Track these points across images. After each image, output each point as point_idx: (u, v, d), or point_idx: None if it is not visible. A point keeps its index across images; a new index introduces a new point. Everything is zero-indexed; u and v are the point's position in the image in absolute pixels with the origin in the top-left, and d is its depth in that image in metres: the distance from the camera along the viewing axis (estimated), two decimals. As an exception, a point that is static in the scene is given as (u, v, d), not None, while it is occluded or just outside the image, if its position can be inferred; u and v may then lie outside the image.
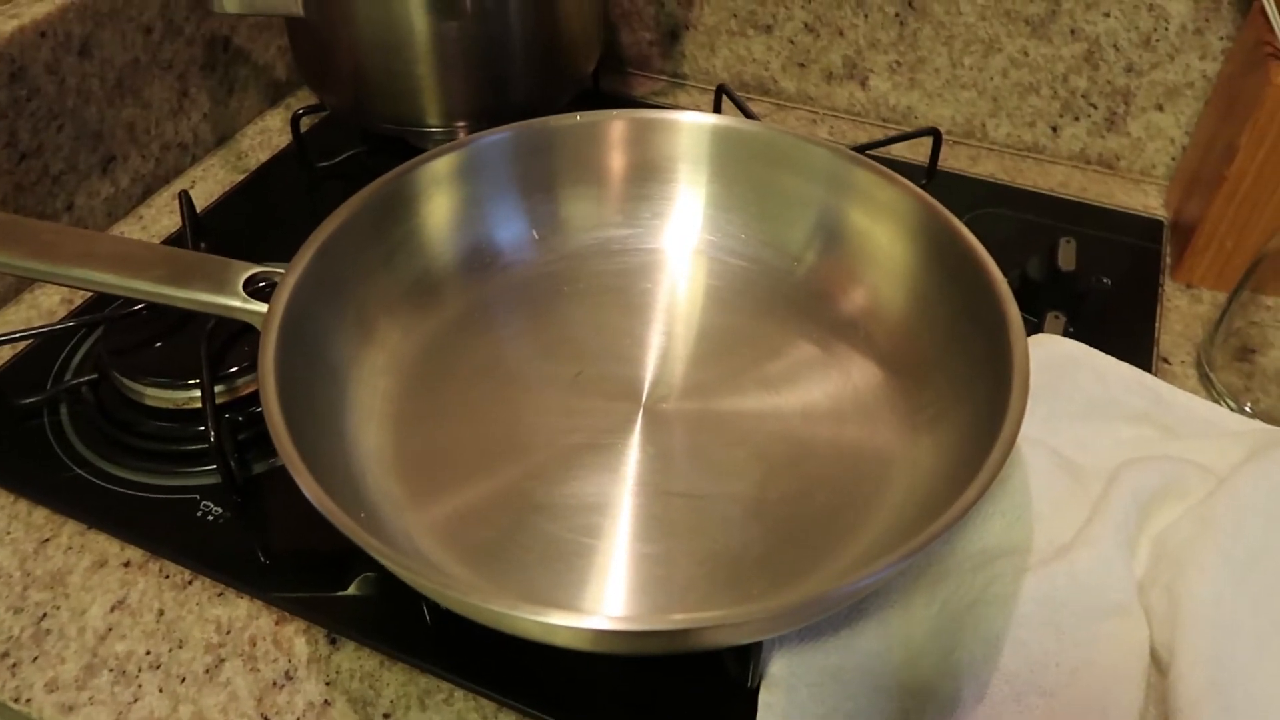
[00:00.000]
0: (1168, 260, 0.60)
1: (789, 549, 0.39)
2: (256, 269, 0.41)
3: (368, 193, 0.44)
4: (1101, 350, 0.53)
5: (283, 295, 0.39)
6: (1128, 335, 0.54)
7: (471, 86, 0.61)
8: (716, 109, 0.67)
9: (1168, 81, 0.63)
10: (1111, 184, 0.67)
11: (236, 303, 0.40)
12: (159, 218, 0.64)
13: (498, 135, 0.47)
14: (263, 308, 0.39)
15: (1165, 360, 0.54)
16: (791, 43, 0.72)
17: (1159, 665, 0.34)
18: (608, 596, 0.38)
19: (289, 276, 0.39)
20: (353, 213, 0.42)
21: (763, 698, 0.35)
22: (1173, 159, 0.66)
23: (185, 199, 0.55)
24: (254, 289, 0.41)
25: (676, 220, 0.50)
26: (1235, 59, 0.59)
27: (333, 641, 0.41)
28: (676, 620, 0.30)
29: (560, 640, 0.31)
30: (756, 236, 0.49)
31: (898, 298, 0.45)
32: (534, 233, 0.50)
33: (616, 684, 0.39)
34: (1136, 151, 0.67)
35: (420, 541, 0.38)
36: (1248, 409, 0.50)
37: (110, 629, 0.42)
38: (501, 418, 0.43)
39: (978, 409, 0.37)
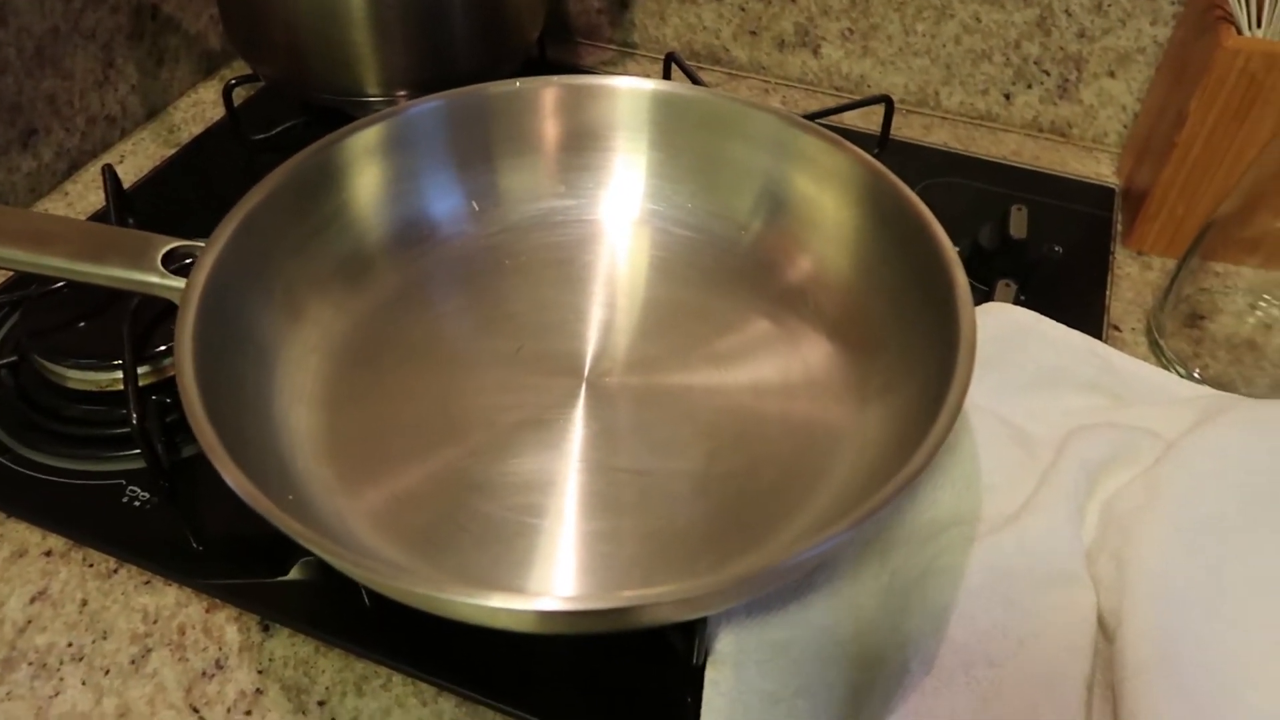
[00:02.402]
0: (1119, 228, 0.60)
1: (736, 524, 0.38)
2: (176, 243, 0.39)
3: (292, 165, 0.42)
4: (1053, 318, 0.52)
5: (202, 271, 0.37)
6: (1079, 303, 0.54)
7: (411, 55, 0.59)
8: (666, 78, 0.65)
9: (1119, 47, 0.63)
10: (1064, 152, 0.67)
11: (154, 278, 0.38)
12: (86, 194, 0.61)
13: (429, 104, 0.45)
14: (181, 283, 0.37)
15: (1116, 328, 0.53)
16: (743, 10, 0.70)
17: (1106, 632, 0.34)
18: (552, 576, 0.37)
19: (209, 251, 0.38)
20: (277, 186, 0.41)
21: (709, 675, 0.35)
22: (1124, 126, 0.66)
23: (109, 173, 0.53)
24: (175, 265, 0.39)
25: (617, 190, 0.49)
26: (1186, 23, 0.59)
27: (265, 629, 0.40)
28: (618, 598, 0.29)
29: (501, 623, 0.30)
30: (701, 205, 0.48)
31: (845, 265, 0.44)
32: (473, 204, 0.48)
33: (560, 664, 0.38)
34: (1089, 119, 0.66)
35: (354, 526, 0.37)
36: (1196, 375, 0.50)
37: (30, 621, 0.40)
38: (439, 396, 0.42)
39: (927, 378, 0.37)
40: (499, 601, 0.28)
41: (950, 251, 0.37)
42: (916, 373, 0.38)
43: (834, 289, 0.44)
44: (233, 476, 0.31)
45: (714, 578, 0.29)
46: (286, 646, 0.39)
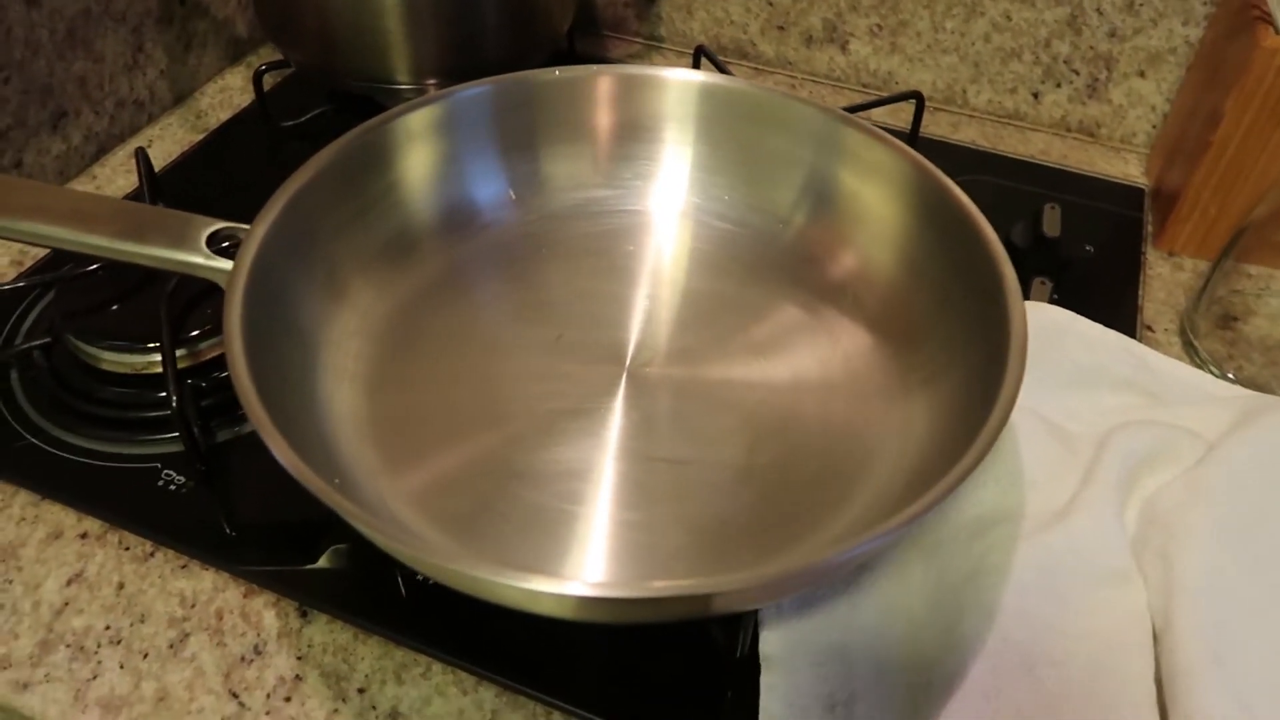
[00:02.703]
0: (1149, 228, 0.60)
1: (777, 517, 0.38)
2: (220, 224, 0.39)
3: (342, 144, 0.41)
4: (1086, 318, 0.52)
5: (249, 251, 0.37)
6: (1111, 303, 0.54)
7: (442, 43, 0.59)
8: (695, 71, 0.65)
9: (1150, 47, 0.63)
10: (1092, 152, 0.66)
11: (199, 259, 0.38)
12: (114, 177, 0.61)
13: (478, 89, 0.45)
14: (227, 265, 0.37)
15: (1149, 328, 0.53)
16: (770, 4, 0.70)
17: (1154, 631, 0.34)
18: (590, 565, 0.37)
19: (256, 230, 0.37)
20: (326, 165, 0.40)
21: (764, 680, 0.34)
22: (1153, 126, 0.66)
23: (142, 156, 0.53)
24: (218, 246, 0.39)
25: (661, 181, 0.49)
26: (1219, 23, 0.59)
27: (304, 614, 0.40)
28: (662, 588, 0.29)
29: (543, 608, 0.30)
30: (743, 199, 0.48)
31: (888, 261, 0.44)
32: (511, 192, 0.48)
33: (599, 655, 0.38)
34: (1118, 119, 0.66)
35: (396, 509, 0.37)
36: (1231, 376, 0.50)
37: (67, 603, 0.40)
38: (480, 382, 0.42)
39: (970, 374, 0.37)
40: (542, 585, 0.28)
41: (999, 248, 0.37)
42: (959, 367, 0.38)
43: (876, 284, 0.44)
44: (287, 458, 0.30)
45: (757, 572, 0.28)
46: (325, 633, 0.39)
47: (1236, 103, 0.52)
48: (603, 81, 0.47)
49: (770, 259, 0.47)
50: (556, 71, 0.47)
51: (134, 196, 0.58)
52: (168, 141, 0.64)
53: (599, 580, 0.36)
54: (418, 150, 0.45)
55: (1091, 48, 0.64)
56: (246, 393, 0.32)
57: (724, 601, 0.29)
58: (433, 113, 0.44)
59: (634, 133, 0.48)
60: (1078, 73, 0.65)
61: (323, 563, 0.40)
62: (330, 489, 0.29)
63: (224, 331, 0.35)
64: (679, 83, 0.47)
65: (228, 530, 0.42)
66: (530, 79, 0.46)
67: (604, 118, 0.47)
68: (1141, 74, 0.64)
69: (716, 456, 0.40)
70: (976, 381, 0.35)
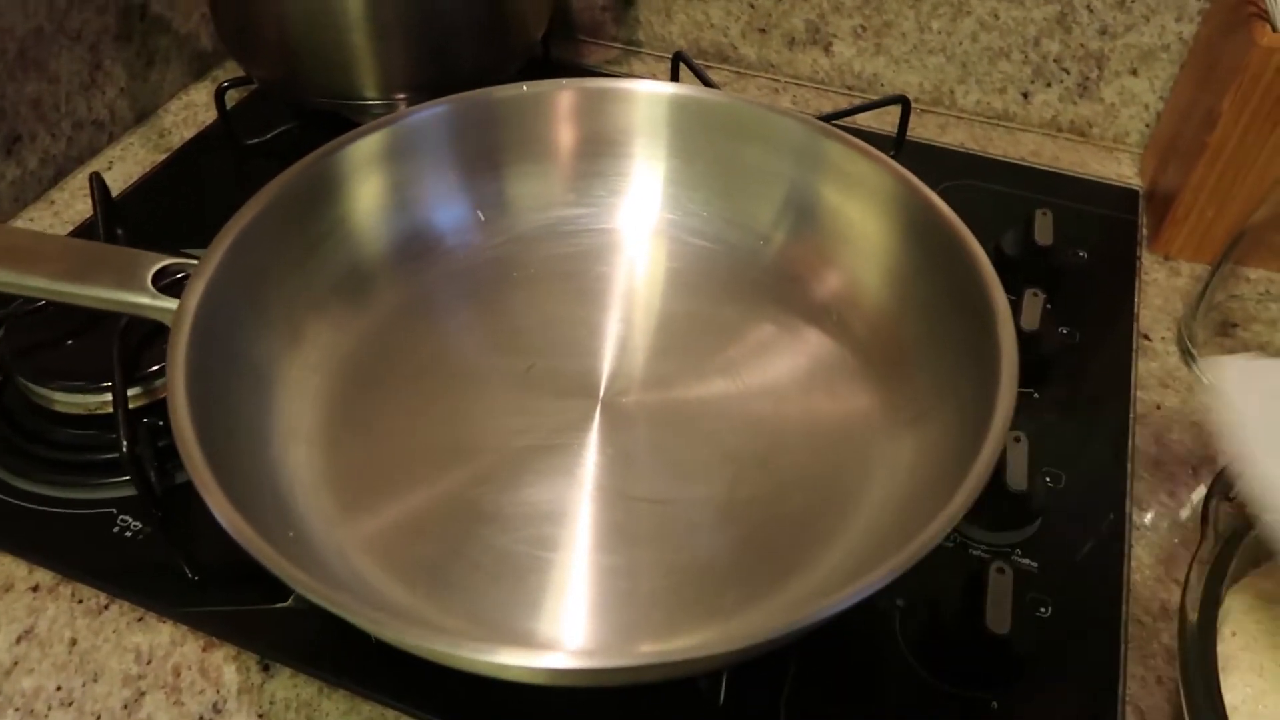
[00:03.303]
0: (1144, 232, 0.58)
1: (762, 556, 0.36)
2: (167, 260, 0.37)
3: (287, 177, 0.39)
4: (1081, 328, 0.51)
5: (195, 291, 0.35)
6: (1107, 312, 0.52)
7: (410, 55, 0.56)
8: (674, 78, 0.63)
9: (1142, 44, 0.61)
10: (1084, 152, 0.64)
11: (145, 299, 0.36)
12: (73, 202, 0.59)
13: (432, 109, 0.43)
14: (174, 304, 0.35)
15: (1145, 337, 0.51)
16: (752, 6, 0.68)
17: None
18: (566, 615, 0.35)
19: (201, 271, 0.35)
20: (271, 200, 0.38)
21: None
22: (1147, 126, 0.64)
23: (96, 181, 0.51)
24: (166, 282, 0.37)
25: (633, 198, 0.47)
26: (1214, 19, 0.57)
27: (265, 668, 0.38)
28: (638, 655, 0.27)
29: (511, 676, 0.28)
30: (720, 215, 0.46)
31: (873, 281, 0.42)
32: (479, 214, 0.46)
33: (579, 705, 0.36)
34: (1110, 118, 0.64)
35: (356, 560, 0.35)
36: (1231, 387, 0.48)
37: (16, 662, 0.38)
38: (445, 419, 0.40)
39: (962, 403, 0.35)
40: (509, 658, 0.26)
41: (988, 270, 0.35)
42: (950, 395, 0.36)
43: (862, 305, 0.42)
44: (227, 516, 0.29)
45: (739, 635, 0.26)
46: (288, 687, 0.37)
47: (1233, 103, 0.50)
48: (567, 96, 0.45)
49: (750, 278, 0.45)
50: (524, 87, 0.45)
51: (89, 224, 0.55)
52: (129, 162, 0.62)
53: (577, 635, 0.34)
54: (369, 179, 0.42)
55: (1082, 45, 0.62)
56: (187, 444, 0.30)
57: (704, 665, 0.27)
58: (383, 139, 0.42)
59: (603, 148, 0.46)
60: (1068, 71, 0.63)
61: (290, 602, 0.38)
62: (272, 550, 0.27)
63: (167, 375, 0.33)
64: (648, 95, 0.45)
65: (189, 574, 0.40)
66: (490, 96, 0.44)
67: (570, 133, 0.45)
68: (1134, 72, 0.62)
69: (697, 493, 0.38)
70: (970, 411, 0.33)
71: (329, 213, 0.41)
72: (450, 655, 0.26)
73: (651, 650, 0.28)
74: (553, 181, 0.46)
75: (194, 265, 0.37)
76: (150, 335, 0.44)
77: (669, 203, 0.47)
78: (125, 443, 0.40)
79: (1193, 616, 0.33)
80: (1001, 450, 0.30)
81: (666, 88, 0.45)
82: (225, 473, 0.31)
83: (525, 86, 0.45)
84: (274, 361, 0.38)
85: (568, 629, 0.34)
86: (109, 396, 0.43)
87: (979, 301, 0.35)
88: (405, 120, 0.42)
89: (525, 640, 0.34)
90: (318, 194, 0.41)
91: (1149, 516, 0.43)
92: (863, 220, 0.42)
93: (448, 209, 0.45)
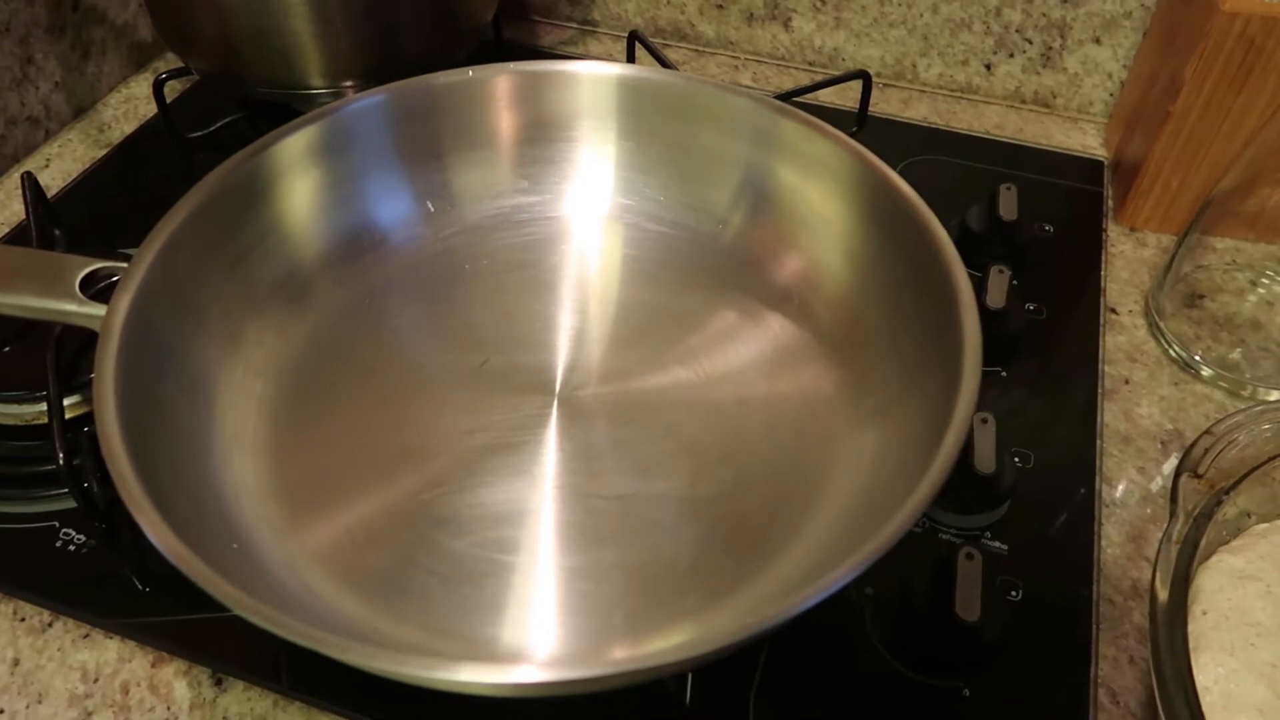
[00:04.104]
0: (1110, 203, 0.57)
1: (726, 552, 0.35)
2: (96, 264, 0.36)
3: (216, 177, 0.37)
4: (1048, 303, 0.50)
5: (124, 297, 0.33)
6: (1073, 286, 0.51)
7: (356, 41, 0.54)
8: (630, 58, 0.61)
9: (1105, 12, 0.60)
10: (1049, 124, 0.64)
11: (72, 306, 0.34)
12: (8, 202, 0.57)
13: (367, 100, 0.41)
14: (102, 310, 0.34)
15: (1113, 310, 0.51)
16: (708, -18, 0.66)
17: None
18: (528, 620, 0.33)
19: (130, 276, 0.34)
20: (201, 201, 0.36)
21: None
22: (1111, 95, 0.63)
23: (29, 181, 0.49)
24: (97, 287, 0.35)
25: (584, 184, 0.45)
26: (1175, -15, 0.56)
27: (218, 682, 0.36)
28: (605, 664, 0.26)
29: (474, 692, 0.27)
30: (676, 199, 0.44)
31: (835, 264, 0.40)
32: (429, 205, 0.44)
33: (543, 707, 0.35)
34: (1073, 88, 0.64)
35: (306, 572, 0.34)
36: (1198, 358, 0.48)
37: (-44, 687, 0.36)
38: (395, 421, 0.38)
39: (927, 387, 0.34)
40: (469, 675, 0.25)
41: (950, 252, 0.34)
42: (915, 381, 0.35)
43: (824, 289, 0.41)
44: (158, 533, 0.27)
45: (703, 639, 0.25)
46: (242, 702, 0.36)
47: (1196, 70, 0.49)
48: (506, 81, 0.43)
49: (708, 263, 0.43)
50: (470, 72, 0.43)
51: (21, 227, 0.53)
52: (67, 159, 0.59)
53: (540, 649, 0.33)
54: (305, 174, 0.41)
55: (1044, 15, 0.61)
56: (114, 455, 0.29)
57: (669, 669, 0.26)
58: (316, 133, 0.40)
59: (549, 133, 0.44)
60: (1030, 41, 0.63)
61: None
62: (204, 568, 0.26)
63: (95, 385, 0.31)
64: (592, 77, 0.43)
65: (139, 586, 0.38)
66: (427, 84, 0.42)
67: (514, 119, 0.44)
68: (1097, 40, 0.61)
69: (658, 489, 0.37)
70: (932, 402, 0.32)
71: (263, 213, 0.40)
72: (398, 673, 0.25)
73: (616, 657, 0.27)
74: (500, 169, 0.44)
75: (125, 267, 0.35)
76: (88, 342, 0.42)
77: (622, 187, 0.45)
78: (61, 455, 0.38)
79: (1163, 596, 0.32)
80: (968, 434, 0.30)
81: (612, 69, 0.43)
82: (161, 485, 0.29)
83: (470, 71, 0.43)
84: (213, 368, 0.37)
85: (531, 634, 0.33)
86: (44, 406, 0.41)
87: (942, 284, 0.34)
88: (339, 113, 0.41)
89: (487, 647, 0.33)
90: (250, 193, 0.39)
91: (1119, 493, 0.42)
92: (822, 201, 0.41)
93: (391, 203, 0.43)
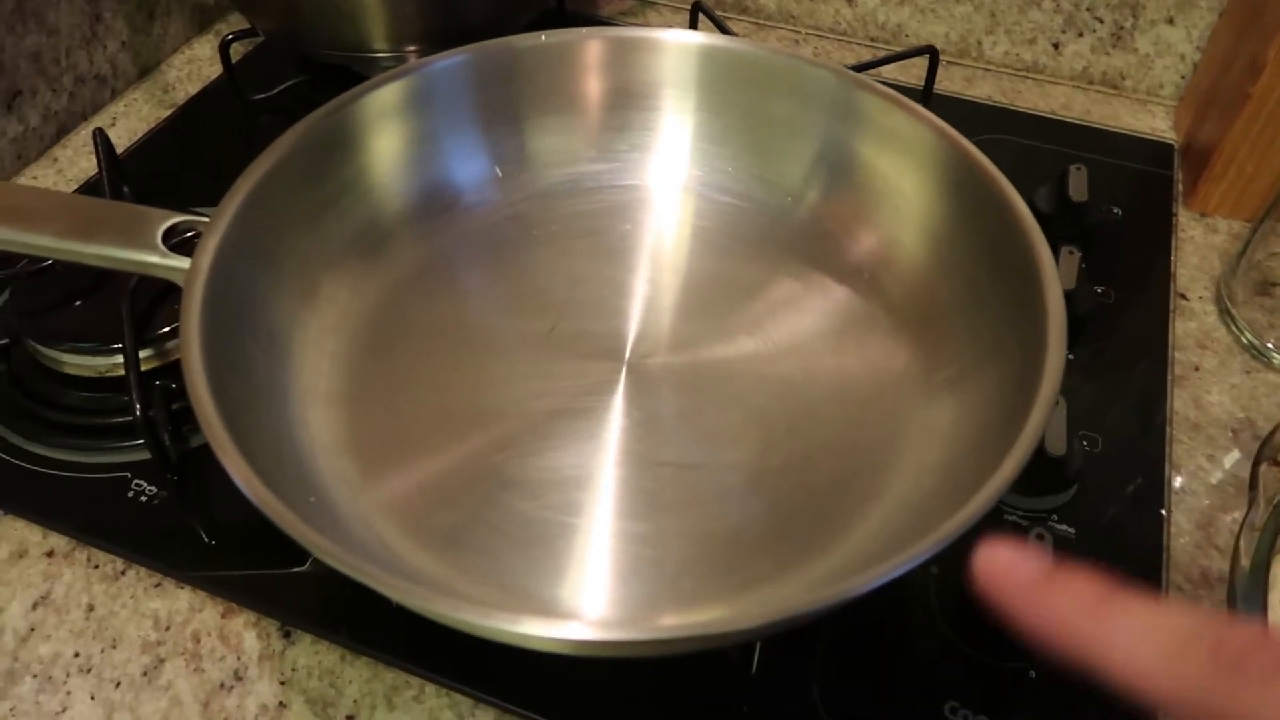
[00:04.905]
0: (1179, 188, 0.56)
1: (794, 524, 0.35)
2: (178, 218, 0.36)
3: (303, 129, 0.38)
4: (1116, 287, 0.49)
5: (207, 249, 0.34)
6: (1143, 271, 0.50)
7: (420, 4, 0.54)
8: (692, 28, 0.61)
9: (1181, -8, 0.58)
10: (1116, 105, 0.62)
11: (154, 258, 0.35)
12: (77, 159, 0.57)
13: (453, 59, 0.41)
14: (185, 263, 0.34)
15: (1183, 296, 0.50)
16: (772, -46, 0.65)
17: None
18: (591, 584, 0.34)
19: (214, 228, 0.34)
20: (286, 153, 0.37)
21: None
22: (1182, 77, 0.62)
23: (100, 137, 0.49)
24: (176, 241, 0.36)
25: (660, 153, 0.45)
26: (1258, -35, 0.55)
27: (286, 635, 0.37)
28: (672, 629, 0.26)
29: (534, 646, 0.27)
30: (749, 171, 0.44)
31: (908, 239, 0.40)
32: (497, 170, 0.44)
33: (606, 673, 0.35)
34: (1144, 69, 0.62)
35: (379, 526, 0.34)
36: (1270, 346, 0.47)
37: (33, 629, 0.37)
38: (466, 382, 0.39)
39: (1003, 365, 0.33)
40: (534, 628, 0.25)
41: (1033, 227, 0.33)
42: (991, 359, 0.35)
43: (897, 266, 0.40)
44: (247, 481, 0.28)
45: (776, 608, 0.25)
46: (310, 655, 0.36)
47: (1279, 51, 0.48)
48: (593, 46, 0.43)
49: (779, 237, 0.43)
50: (542, 36, 0.43)
51: (94, 181, 0.54)
52: (133, 119, 0.60)
53: (602, 605, 0.33)
54: (388, 130, 0.41)
55: (1117, -7, 0.60)
56: (203, 405, 0.29)
57: (737, 637, 0.27)
58: (404, 88, 0.40)
59: (629, 101, 0.44)
60: (1101, 20, 0.61)
61: (308, 567, 0.37)
62: (294, 517, 0.26)
63: (181, 337, 0.31)
64: (677, 45, 0.43)
65: (206, 539, 0.39)
66: (513, 45, 0.42)
67: (595, 85, 0.43)
68: (1170, 20, 0.60)
69: (726, 459, 0.36)
70: (1011, 377, 0.32)
71: (346, 166, 0.40)
72: (474, 624, 0.25)
73: (679, 622, 0.27)
74: (576, 136, 0.44)
75: (205, 222, 0.35)
76: (161, 295, 0.43)
77: (696, 158, 0.45)
78: (138, 406, 0.39)
79: (1243, 583, 0.32)
80: (1047, 418, 0.29)
81: (696, 37, 0.43)
82: (243, 437, 0.30)
83: (545, 36, 0.43)
84: (289, 322, 0.37)
85: (592, 597, 0.33)
86: (120, 359, 0.42)
87: (1023, 259, 0.33)
88: (424, 70, 0.41)
89: (549, 608, 0.33)
90: (335, 146, 0.39)
91: (1188, 481, 0.42)
92: (899, 176, 0.40)
93: (467, 164, 0.43)
